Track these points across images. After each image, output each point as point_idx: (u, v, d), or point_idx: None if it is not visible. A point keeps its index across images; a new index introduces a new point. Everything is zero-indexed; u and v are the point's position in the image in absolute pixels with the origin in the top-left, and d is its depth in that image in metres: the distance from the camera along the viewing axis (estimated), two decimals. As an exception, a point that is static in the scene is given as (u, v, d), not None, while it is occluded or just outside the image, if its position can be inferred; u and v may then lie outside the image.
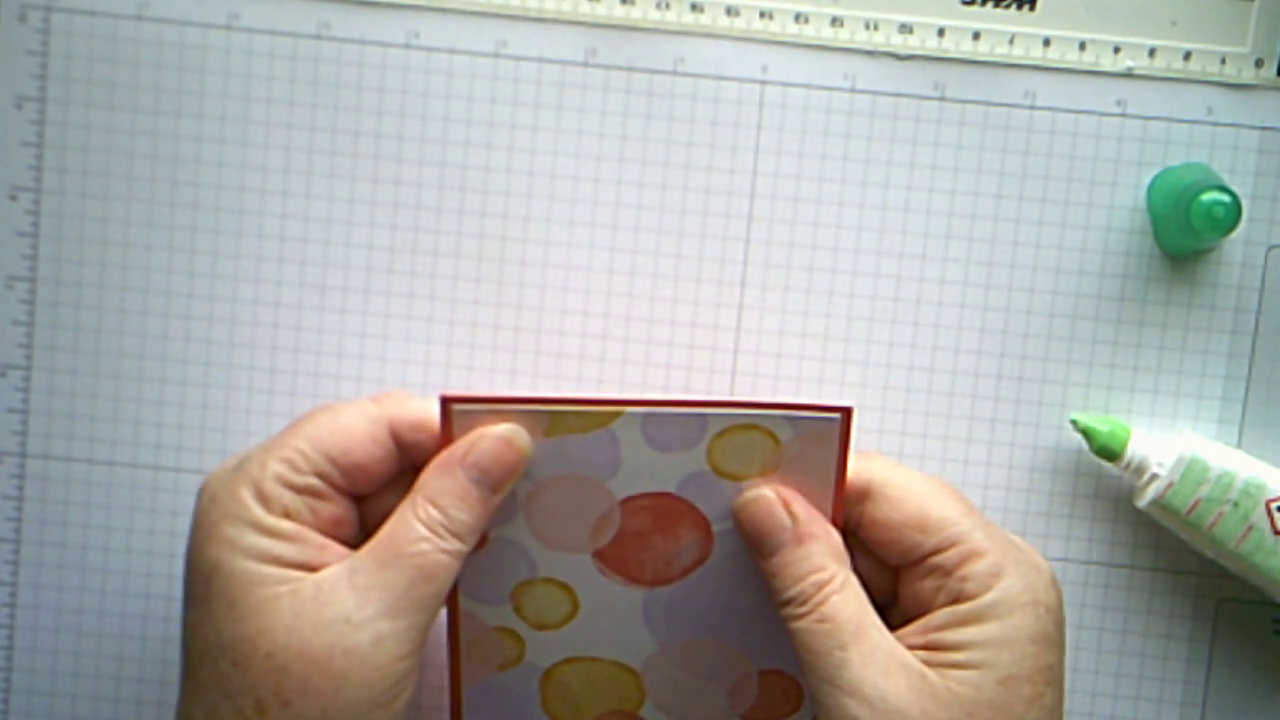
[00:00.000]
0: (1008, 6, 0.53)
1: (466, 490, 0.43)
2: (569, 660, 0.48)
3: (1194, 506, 0.51)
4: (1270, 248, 0.53)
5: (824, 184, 0.53)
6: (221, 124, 0.53)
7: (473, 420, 0.44)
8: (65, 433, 0.54)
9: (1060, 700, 0.44)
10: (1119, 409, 0.53)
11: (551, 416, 0.44)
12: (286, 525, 0.43)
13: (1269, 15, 0.52)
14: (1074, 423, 0.52)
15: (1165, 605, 0.54)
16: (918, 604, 0.45)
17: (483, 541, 0.46)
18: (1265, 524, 0.51)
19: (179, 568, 0.54)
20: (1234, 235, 0.50)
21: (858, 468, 0.45)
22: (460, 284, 0.53)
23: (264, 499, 0.43)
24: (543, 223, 0.53)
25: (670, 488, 0.45)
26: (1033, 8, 0.53)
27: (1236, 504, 0.51)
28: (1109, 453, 0.52)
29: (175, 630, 0.54)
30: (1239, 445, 0.53)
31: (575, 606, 0.47)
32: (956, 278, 0.53)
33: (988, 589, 0.43)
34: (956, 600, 0.43)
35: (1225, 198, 0.49)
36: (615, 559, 0.46)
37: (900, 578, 0.45)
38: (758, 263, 0.53)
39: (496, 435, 0.44)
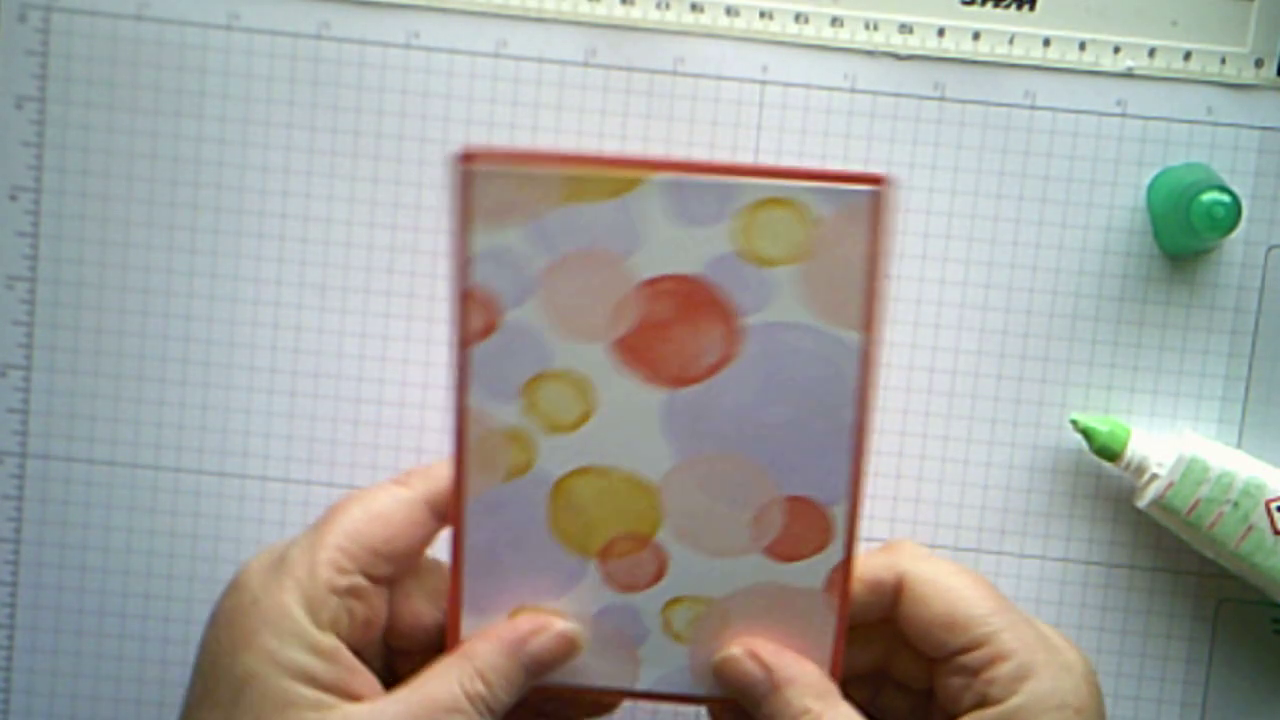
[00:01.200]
0: (1008, 6, 0.53)
1: (515, 674, 0.43)
2: (581, 470, 0.44)
3: (1194, 506, 0.51)
4: (1270, 248, 0.53)
5: (824, 184, 0.53)
6: (221, 124, 0.53)
7: (488, 179, 0.42)
8: (65, 433, 0.54)
9: None
10: (1119, 409, 0.53)
11: (568, 181, 0.42)
12: (328, 642, 0.42)
13: (1269, 15, 0.52)
14: (1074, 423, 0.52)
15: (1165, 605, 0.54)
16: (949, 701, 0.44)
17: (493, 326, 0.43)
18: (1265, 524, 0.51)
19: (179, 567, 0.54)
20: (1234, 235, 0.50)
21: (888, 561, 0.44)
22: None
23: (311, 609, 0.42)
24: (543, 223, 0.53)
25: (695, 270, 0.43)
26: (1033, 8, 0.53)
27: (1236, 504, 0.51)
28: (1109, 453, 0.52)
29: (175, 629, 0.54)
30: (1239, 445, 0.53)
31: (591, 406, 0.44)
32: (956, 278, 0.53)
33: (1013, 693, 0.42)
34: (982, 704, 0.43)
35: (1225, 198, 0.49)
36: (634, 351, 0.43)
37: (934, 672, 0.45)
38: (758, 263, 0.53)
39: (560, 633, 0.44)
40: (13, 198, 0.53)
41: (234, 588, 0.43)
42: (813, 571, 0.45)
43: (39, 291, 0.54)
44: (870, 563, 0.45)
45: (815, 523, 0.44)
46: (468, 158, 0.42)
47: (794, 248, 0.42)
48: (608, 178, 0.42)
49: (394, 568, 0.44)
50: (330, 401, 0.54)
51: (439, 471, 0.45)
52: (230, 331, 0.54)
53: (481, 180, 0.42)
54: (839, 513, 0.44)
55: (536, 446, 0.44)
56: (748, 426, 0.44)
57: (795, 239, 0.42)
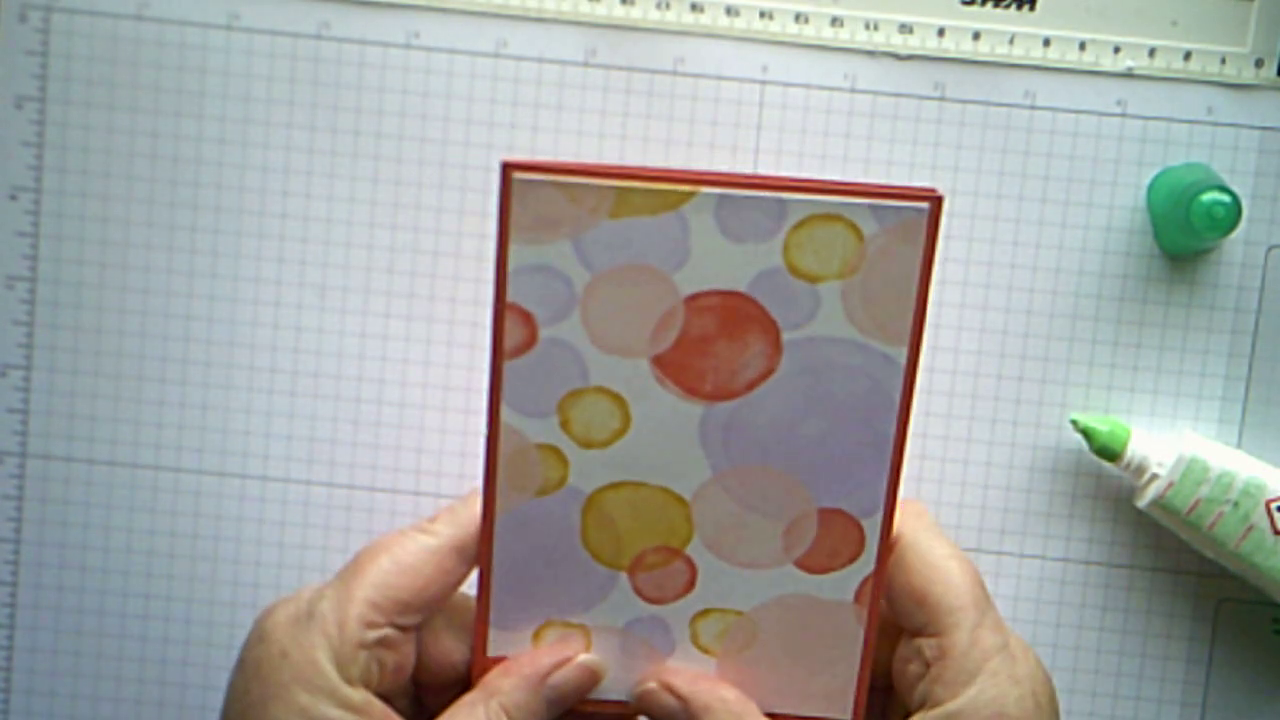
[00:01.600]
0: (1008, 6, 0.53)
1: (538, 707, 0.43)
2: (614, 485, 0.44)
3: (1194, 506, 0.51)
4: (1270, 248, 0.53)
5: (824, 184, 0.53)
6: (221, 124, 0.53)
7: (533, 192, 0.41)
8: (65, 433, 0.54)
9: None
10: (1119, 409, 0.53)
11: (618, 194, 0.41)
12: (359, 697, 0.42)
13: (1269, 15, 0.52)
14: (1074, 423, 0.52)
15: (1165, 605, 0.54)
16: (904, 693, 0.44)
17: (531, 342, 0.43)
18: (1265, 524, 0.51)
19: (179, 567, 0.54)
20: (1234, 235, 0.50)
21: (900, 516, 0.45)
22: (460, 284, 0.53)
23: (341, 664, 0.42)
24: (543, 223, 0.53)
25: (741, 286, 0.42)
26: (1033, 8, 0.53)
27: (1236, 504, 0.51)
28: (1109, 453, 0.52)
29: (175, 629, 0.54)
30: (1239, 445, 0.53)
31: (626, 421, 0.43)
32: (956, 278, 0.53)
33: (953, 696, 0.42)
34: (925, 703, 0.43)
35: (1225, 198, 0.49)
36: (674, 366, 0.43)
37: (896, 647, 0.45)
38: (758, 263, 0.53)
39: (582, 664, 0.44)
40: (13, 198, 0.53)
41: (260, 638, 0.43)
42: (843, 583, 0.44)
43: (39, 291, 0.54)
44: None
45: (848, 535, 0.44)
46: (513, 168, 0.41)
47: (842, 264, 0.42)
48: (659, 190, 0.41)
49: (423, 616, 0.44)
50: (330, 401, 0.54)
51: (466, 515, 0.44)
52: (230, 331, 0.54)
53: (527, 191, 0.42)
54: (872, 525, 0.44)
55: (570, 463, 0.44)
56: (785, 440, 0.44)
57: (844, 255, 0.42)
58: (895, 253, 0.42)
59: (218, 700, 0.55)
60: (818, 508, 0.44)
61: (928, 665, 0.43)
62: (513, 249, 0.42)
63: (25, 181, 0.53)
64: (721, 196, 0.41)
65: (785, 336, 0.43)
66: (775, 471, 0.44)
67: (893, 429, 0.43)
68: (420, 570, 0.43)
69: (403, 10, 0.53)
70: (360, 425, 0.54)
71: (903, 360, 0.43)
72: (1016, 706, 0.43)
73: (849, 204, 0.42)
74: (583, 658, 0.44)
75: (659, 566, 0.45)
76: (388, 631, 0.43)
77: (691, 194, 0.41)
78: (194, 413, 0.54)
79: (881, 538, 0.44)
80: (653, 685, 0.45)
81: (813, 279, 0.42)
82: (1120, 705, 0.54)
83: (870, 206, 0.42)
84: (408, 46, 0.53)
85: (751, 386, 0.43)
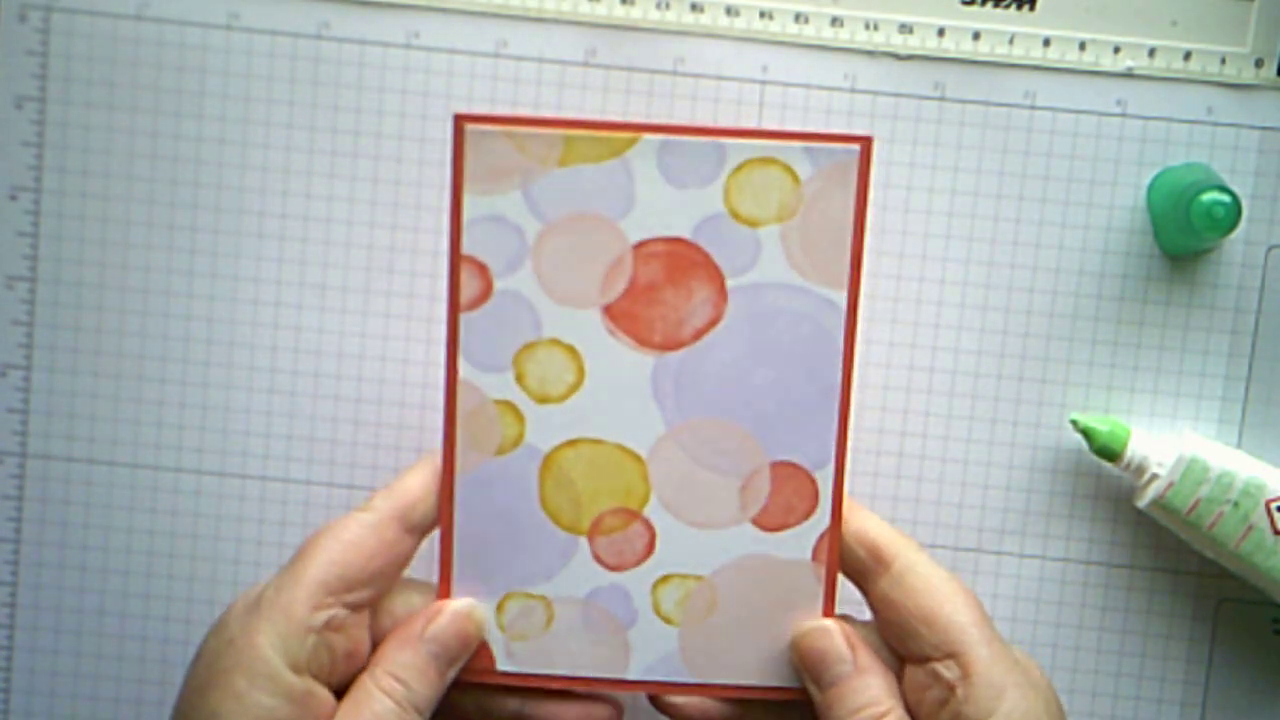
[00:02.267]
0: (1008, 6, 0.53)
1: (425, 664, 0.43)
2: (571, 443, 0.45)
3: (1194, 506, 0.51)
4: (1270, 248, 0.53)
5: (824, 184, 0.53)
6: (221, 124, 0.53)
7: (486, 143, 0.43)
8: (65, 433, 0.54)
9: None
10: (1119, 409, 0.53)
11: (566, 142, 0.43)
12: (300, 685, 0.42)
13: (1269, 15, 0.52)
14: (1074, 423, 0.52)
15: (1165, 605, 0.54)
16: (923, 715, 0.44)
17: (486, 294, 0.44)
18: (1265, 524, 0.51)
19: (179, 568, 0.54)
20: (1234, 235, 0.50)
21: (891, 538, 0.45)
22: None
23: (287, 650, 0.42)
24: (543, 223, 0.53)
25: (685, 233, 0.44)
26: (1033, 8, 0.53)
27: (1236, 504, 0.51)
28: (1109, 453, 0.52)
29: (175, 629, 0.54)
30: (1239, 445, 0.53)
31: (580, 375, 0.45)
32: (956, 278, 0.53)
33: (990, 713, 0.42)
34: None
35: (1225, 198, 0.49)
36: (625, 316, 0.44)
37: (904, 674, 0.45)
38: (758, 263, 0.53)
39: (454, 610, 0.44)
40: (13, 198, 0.53)
41: (216, 628, 0.43)
42: (800, 541, 0.45)
43: (39, 291, 0.54)
44: (878, 527, 0.45)
45: (801, 488, 0.45)
46: (465, 119, 0.43)
47: (780, 207, 0.44)
48: (604, 138, 0.43)
49: (373, 592, 0.44)
50: (330, 401, 0.54)
51: (404, 486, 0.45)
52: (230, 331, 0.54)
53: (478, 141, 0.43)
54: (824, 477, 0.44)
55: (527, 419, 0.45)
56: (735, 390, 0.45)
57: (781, 198, 0.44)
58: (830, 195, 0.44)
59: (218, 700, 0.55)
60: (770, 461, 0.45)
61: (950, 688, 0.43)
62: (467, 200, 0.44)
63: (25, 181, 0.53)
64: (663, 143, 0.43)
65: (730, 283, 0.44)
66: (727, 424, 0.45)
67: (839, 375, 0.44)
68: (362, 545, 0.43)
69: (403, 10, 0.53)
70: (360, 425, 0.54)
71: (844, 303, 0.44)
72: (1046, 713, 0.43)
73: (784, 147, 0.44)
74: (455, 605, 0.45)
75: (618, 530, 0.45)
76: (336, 612, 0.43)
77: (634, 140, 0.43)
78: (194, 413, 0.54)
79: (834, 490, 0.45)
80: (830, 624, 0.45)
81: (753, 223, 0.44)
82: (1120, 705, 0.54)
83: (804, 149, 0.44)
84: (408, 46, 0.53)
85: (699, 335, 0.45)
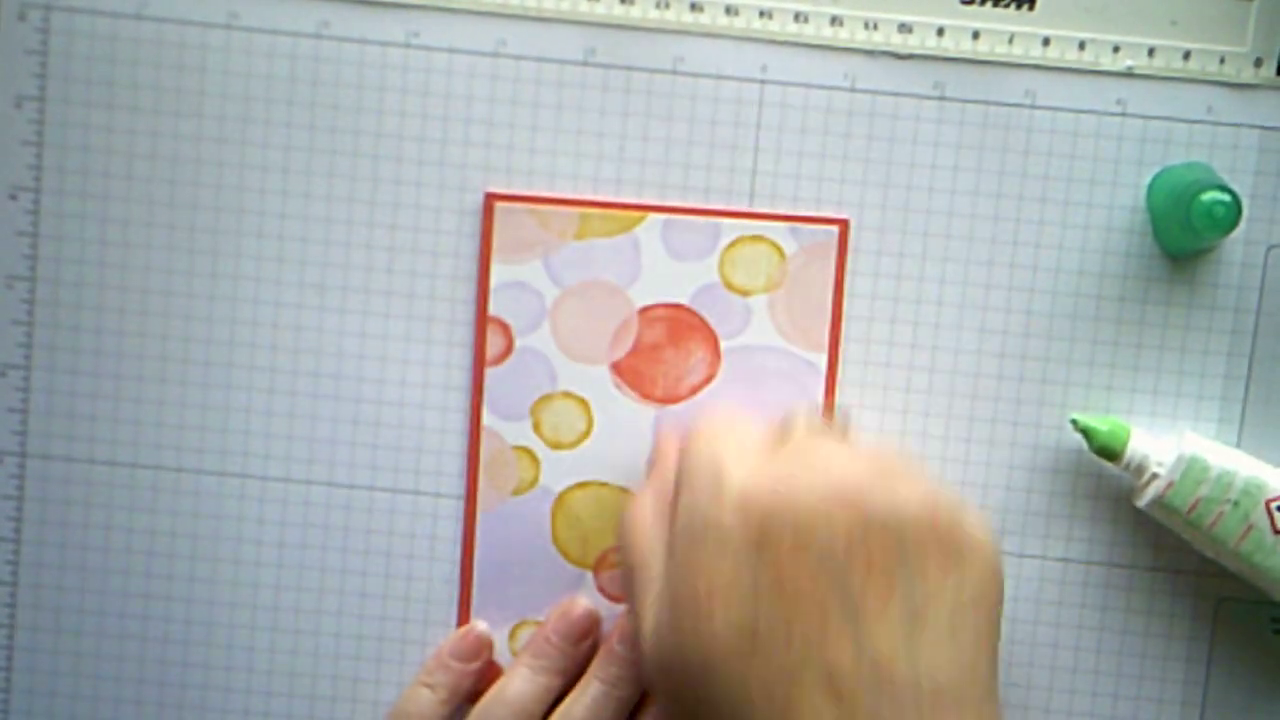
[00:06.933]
0: (1007, 6, 0.53)
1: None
2: (580, 485, 0.51)
3: (1194, 506, 0.51)
4: (1270, 248, 0.53)
5: (824, 184, 0.53)
6: (221, 124, 0.53)
7: (512, 218, 0.49)
8: (65, 433, 0.54)
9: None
10: (1119, 409, 0.53)
11: (582, 218, 0.49)
12: None
13: (1269, 15, 0.52)
14: (1074, 423, 0.52)
15: (1165, 605, 0.54)
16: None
17: (508, 351, 0.50)
18: (1265, 524, 0.51)
19: (179, 568, 0.54)
20: (1234, 235, 0.50)
21: None
22: (460, 284, 0.53)
23: None
24: (543, 223, 0.53)
25: (685, 299, 0.50)
26: (1032, 7, 0.53)
27: (1236, 504, 0.51)
28: (1109, 453, 0.52)
29: (175, 629, 0.54)
30: (1239, 445, 0.53)
31: (590, 424, 0.50)
32: (956, 278, 0.53)
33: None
34: None
35: (1225, 197, 0.49)
36: (630, 372, 0.50)
37: None
38: (758, 262, 0.53)
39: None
40: (13, 198, 0.53)
41: None
42: None
43: (39, 291, 0.54)
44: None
45: None
46: (495, 199, 0.50)
47: (768, 279, 0.51)
48: (616, 216, 0.50)
49: None
50: (330, 401, 0.54)
51: (453, 650, 0.51)
52: (230, 331, 0.54)
53: (506, 217, 0.50)
54: None
55: (542, 462, 0.51)
56: None
57: (769, 271, 0.50)
58: (812, 270, 0.51)
59: (218, 700, 0.55)
60: None
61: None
62: (494, 267, 0.50)
63: (25, 181, 0.53)
64: (667, 221, 0.50)
65: (723, 345, 0.51)
66: None
67: None
68: None
69: (403, 10, 0.53)
70: (360, 425, 0.54)
71: (823, 365, 0.51)
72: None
73: (771, 227, 0.51)
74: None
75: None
76: None
77: (642, 218, 0.50)
78: (194, 413, 0.54)
79: None
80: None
81: (744, 292, 0.51)
82: (1120, 705, 0.54)
83: (789, 229, 0.51)
84: (408, 46, 0.53)
85: (695, 390, 0.51)
